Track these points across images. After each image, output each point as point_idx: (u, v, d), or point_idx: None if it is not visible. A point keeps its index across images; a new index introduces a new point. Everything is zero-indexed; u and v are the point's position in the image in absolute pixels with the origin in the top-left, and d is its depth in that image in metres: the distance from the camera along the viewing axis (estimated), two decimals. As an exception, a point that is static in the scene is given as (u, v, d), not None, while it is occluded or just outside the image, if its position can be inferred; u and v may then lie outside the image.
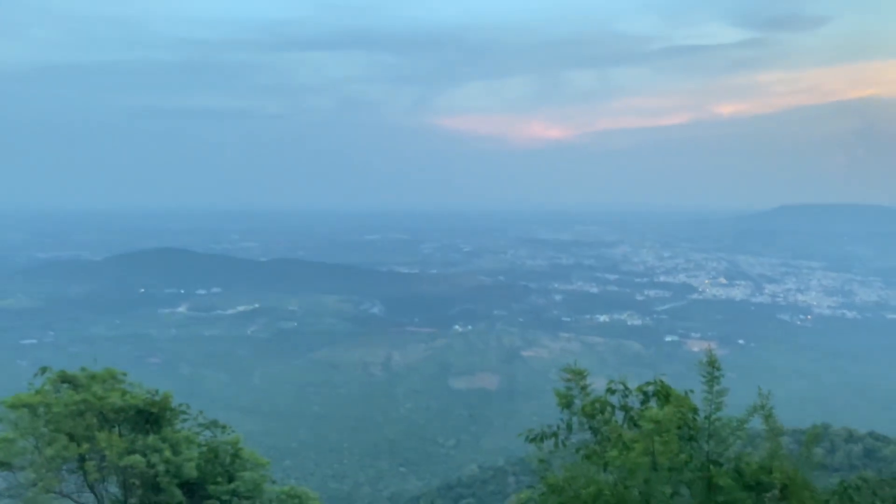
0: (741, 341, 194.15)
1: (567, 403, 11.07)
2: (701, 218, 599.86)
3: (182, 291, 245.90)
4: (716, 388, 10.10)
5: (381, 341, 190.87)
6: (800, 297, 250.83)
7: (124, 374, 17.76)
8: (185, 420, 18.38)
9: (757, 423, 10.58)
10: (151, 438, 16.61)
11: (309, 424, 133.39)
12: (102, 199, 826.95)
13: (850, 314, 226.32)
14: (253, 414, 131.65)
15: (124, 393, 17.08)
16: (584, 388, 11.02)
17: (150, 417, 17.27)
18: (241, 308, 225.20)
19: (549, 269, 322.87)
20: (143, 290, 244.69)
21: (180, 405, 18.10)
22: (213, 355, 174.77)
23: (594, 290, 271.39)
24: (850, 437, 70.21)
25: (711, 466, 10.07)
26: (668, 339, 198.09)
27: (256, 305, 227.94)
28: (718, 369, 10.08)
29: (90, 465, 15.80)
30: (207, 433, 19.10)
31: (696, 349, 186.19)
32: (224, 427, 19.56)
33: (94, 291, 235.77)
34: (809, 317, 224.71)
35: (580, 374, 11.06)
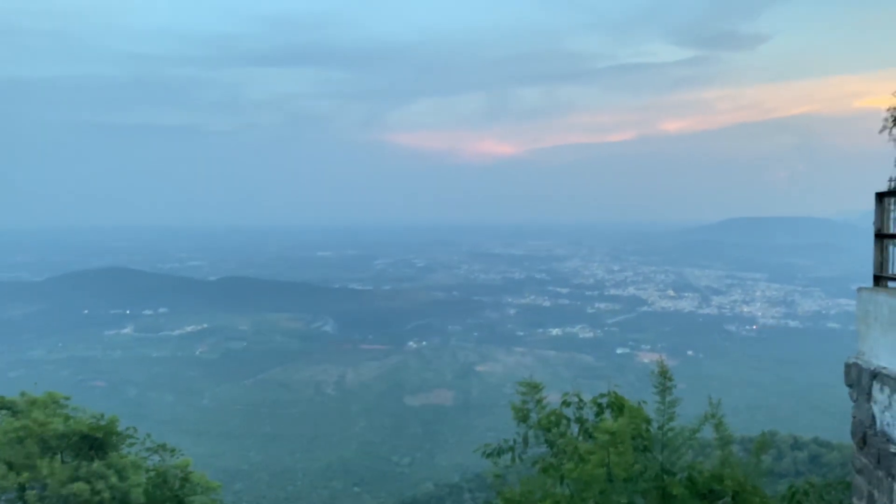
0: (690, 352, 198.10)
1: (523, 417, 11.12)
2: (649, 231, 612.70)
3: (128, 312, 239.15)
4: (668, 398, 10.29)
5: (333, 359, 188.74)
6: (745, 308, 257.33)
7: (67, 399, 17.19)
8: (132, 444, 17.86)
9: (708, 432, 10.80)
10: (96, 465, 16.07)
11: (260, 446, 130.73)
12: (44, 217, 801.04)
13: (792, 324, 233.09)
14: (202, 436, 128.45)
15: (67, 418, 16.50)
16: (539, 401, 11.10)
17: (94, 443, 16.70)
18: (189, 328, 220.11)
19: (502, 283, 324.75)
20: (86, 311, 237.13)
21: (127, 429, 17.58)
22: (161, 377, 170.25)
23: (546, 303, 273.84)
24: (796, 444, 71.89)
25: (665, 476, 10.21)
26: (620, 351, 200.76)
27: (205, 325, 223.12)
28: (670, 380, 10.28)
29: (31, 494, 15.17)
30: (156, 457, 18.58)
31: (646, 360, 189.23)
32: (173, 450, 19.06)
33: (35, 313, 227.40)
34: (755, 327, 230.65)
35: (536, 388, 11.13)
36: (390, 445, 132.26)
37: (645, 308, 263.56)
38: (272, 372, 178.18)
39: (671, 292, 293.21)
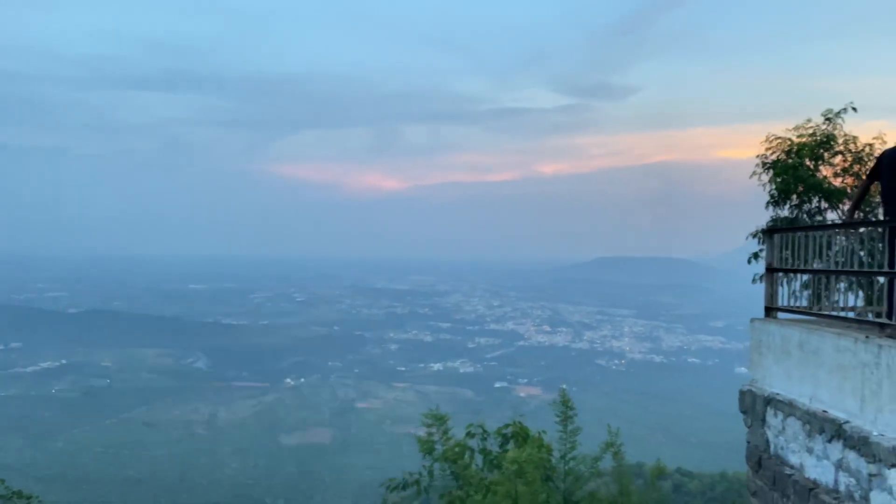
0: (563, 385, 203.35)
1: (429, 449, 10.86)
2: (527, 268, 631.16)
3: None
4: (570, 427, 10.40)
5: (204, 397, 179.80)
6: (615, 343, 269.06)
7: None
8: (-19, 492, 16.00)
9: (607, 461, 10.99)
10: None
11: (121, 490, 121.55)
12: None
13: (657, 358, 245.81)
14: (56, 482, 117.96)
15: None
16: (445, 433, 10.90)
17: (-64, 492, 14.81)
18: (44, 364, 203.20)
19: (384, 318, 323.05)
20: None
21: (-24, 475, 15.73)
22: (9, 418, 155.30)
23: (428, 338, 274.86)
24: (661, 474, 75.10)
25: (569, 506, 10.31)
26: (498, 385, 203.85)
27: (63, 361, 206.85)
28: (572, 409, 10.40)
29: None
30: (8, 507, 16.75)
31: (522, 394, 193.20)
32: (29, 497, 17.29)
33: None
34: (623, 361, 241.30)
35: (441, 420, 10.93)
36: (264, 487, 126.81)
37: (522, 342, 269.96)
38: (137, 411, 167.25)
39: (547, 327, 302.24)
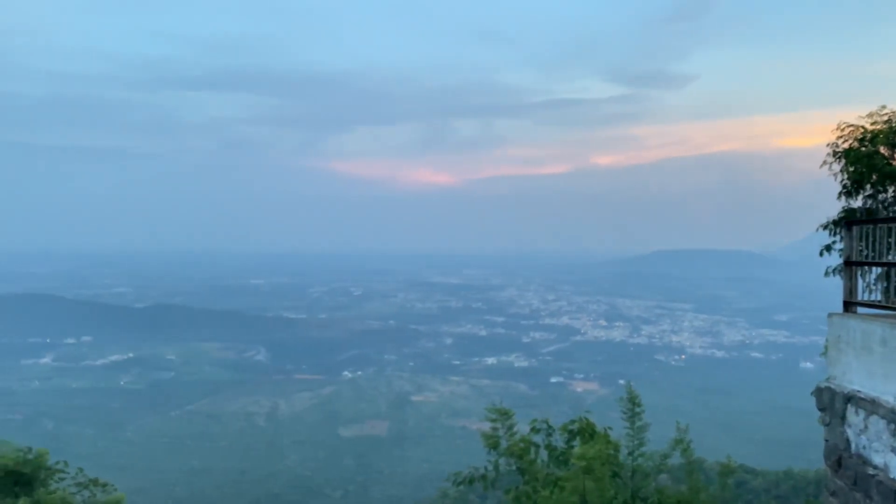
0: (621, 381, 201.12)
1: (493, 444, 10.83)
2: (582, 262, 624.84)
3: (48, 341, 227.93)
4: (637, 424, 10.22)
5: (265, 390, 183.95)
6: (674, 338, 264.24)
7: (-8, 431, 15.98)
8: (61, 479, 16.71)
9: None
10: (21, 502, 14.91)
11: (186, 480, 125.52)
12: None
13: (718, 353, 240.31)
14: (125, 471, 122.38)
15: (-8, 452, 15.31)
16: (510, 428, 10.85)
17: (21, 479, 15.51)
18: (113, 358, 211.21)
19: (438, 312, 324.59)
20: (3, 339, 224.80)
21: (57, 463, 16.45)
22: (81, 409, 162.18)
23: (482, 332, 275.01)
24: (724, 471, 73.35)
25: (636, 503, 10.12)
26: (553, 380, 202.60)
27: (130, 355, 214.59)
28: (639, 405, 10.22)
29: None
30: (86, 493, 17.46)
31: (579, 389, 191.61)
32: (105, 485, 17.97)
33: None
34: (683, 356, 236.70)
35: (506, 415, 10.89)
36: (323, 478, 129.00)
37: (578, 337, 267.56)
38: (201, 403, 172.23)
39: (603, 322, 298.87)
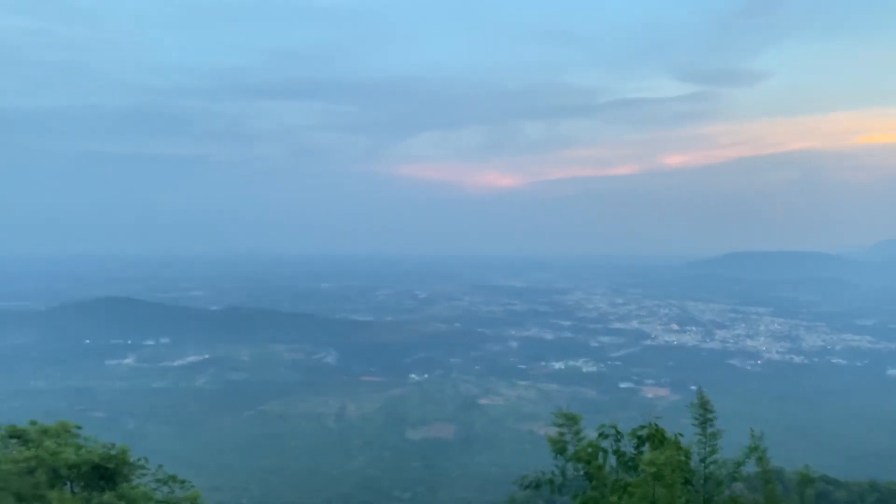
0: (693, 387, 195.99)
1: (560, 449, 10.73)
2: (651, 265, 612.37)
3: (129, 342, 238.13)
4: (709, 430, 9.93)
5: (334, 391, 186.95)
6: (749, 343, 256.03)
7: (79, 428, 16.75)
8: (142, 475, 17.40)
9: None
10: (107, 496, 15.61)
11: (259, 479, 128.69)
12: (48, 246, 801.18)
13: (797, 359, 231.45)
14: (200, 469, 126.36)
15: (79, 448, 16.06)
16: (577, 433, 10.73)
17: (105, 473, 16.24)
18: (190, 359, 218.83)
19: (504, 315, 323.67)
20: (87, 340, 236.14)
21: (138, 459, 17.15)
22: (160, 408, 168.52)
23: (549, 336, 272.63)
24: (803, 481, 70.42)
25: (709, 511, 9.86)
26: (623, 385, 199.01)
27: (206, 356, 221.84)
28: (711, 411, 9.92)
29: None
30: (165, 489, 18.12)
31: (650, 395, 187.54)
32: (183, 482, 18.61)
33: (35, 343, 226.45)
34: (759, 362, 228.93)
35: (573, 420, 10.77)
36: (391, 480, 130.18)
37: (648, 342, 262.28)
38: (272, 404, 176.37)
39: (675, 326, 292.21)
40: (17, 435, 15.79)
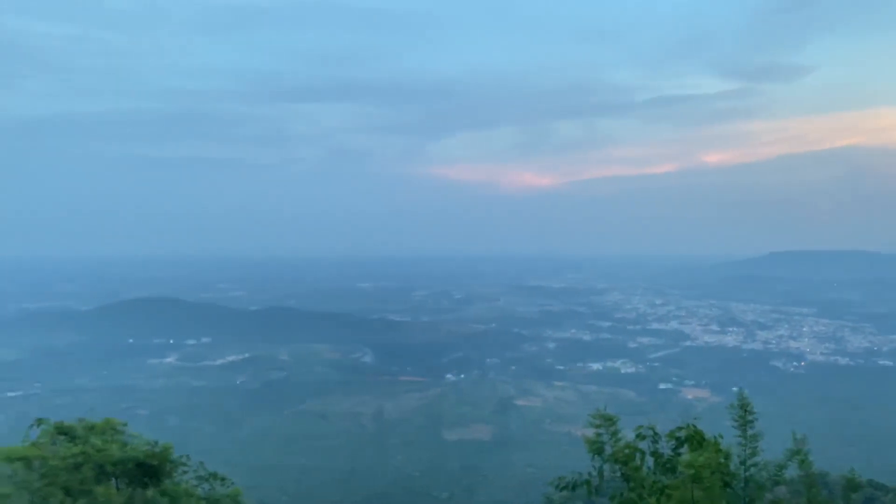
0: (734, 388, 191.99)
1: (597, 450, 10.66)
2: (691, 265, 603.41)
3: (171, 341, 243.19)
4: (749, 432, 9.76)
5: (372, 391, 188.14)
6: (792, 344, 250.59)
7: (124, 425, 17.16)
8: (184, 472, 17.74)
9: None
10: (151, 492, 15.98)
11: (297, 478, 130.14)
12: (93, 247, 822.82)
13: (842, 360, 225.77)
14: (240, 467, 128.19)
15: (124, 444, 16.46)
16: (614, 433, 10.65)
17: (149, 470, 16.60)
18: (230, 358, 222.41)
19: (541, 316, 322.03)
20: (131, 340, 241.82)
21: (180, 457, 17.48)
22: (201, 406, 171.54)
23: (587, 337, 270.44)
24: (849, 485, 68.74)
25: (750, 515, 9.69)
26: (662, 386, 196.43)
27: (246, 355, 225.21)
28: (751, 413, 9.75)
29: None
30: (206, 486, 18.44)
31: (690, 397, 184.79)
32: (223, 479, 18.90)
33: (81, 342, 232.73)
34: (802, 363, 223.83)
35: (610, 420, 10.69)
36: (428, 480, 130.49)
37: (688, 343, 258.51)
38: (311, 403, 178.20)
39: (715, 327, 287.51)
40: (64, 431, 16.24)
